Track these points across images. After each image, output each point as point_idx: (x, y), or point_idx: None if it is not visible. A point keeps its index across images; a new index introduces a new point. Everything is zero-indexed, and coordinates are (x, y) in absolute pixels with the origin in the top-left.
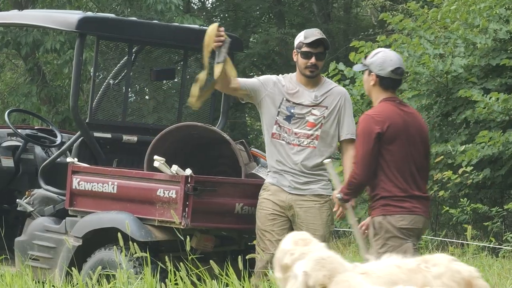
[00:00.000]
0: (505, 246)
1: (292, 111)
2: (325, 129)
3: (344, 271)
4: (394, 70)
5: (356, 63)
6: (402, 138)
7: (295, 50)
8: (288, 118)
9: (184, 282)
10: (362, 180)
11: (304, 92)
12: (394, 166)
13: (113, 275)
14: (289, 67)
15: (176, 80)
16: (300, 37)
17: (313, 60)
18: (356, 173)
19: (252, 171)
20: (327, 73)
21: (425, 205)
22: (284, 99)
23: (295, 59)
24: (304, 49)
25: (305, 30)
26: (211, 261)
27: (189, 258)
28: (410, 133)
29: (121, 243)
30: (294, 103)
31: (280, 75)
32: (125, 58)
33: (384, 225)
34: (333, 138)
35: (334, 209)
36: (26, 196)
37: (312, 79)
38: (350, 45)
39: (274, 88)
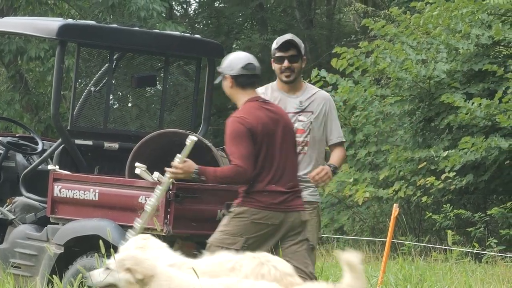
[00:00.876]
0: (488, 251)
1: None
2: (313, 134)
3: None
4: (245, 66)
5: (339, 69)
6: (271, 136)
7: (272, 58)
8: None
9: None
10: (248, 175)
11: (287, 99)
12: (263, 163)
13: None
14: (272, 73)
15: (157, 86)
16: (273, 44)
17: (286, 63)
18: (244, 168)
19: None
20: (309, 79)
21: (288, 200)
22: None
23: (273, 67)
24: (277, 54)
25: (278, 38)
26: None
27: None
28: (278, 130)
29: (103, 250)
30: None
31: (263, 86)
32: (106, 65)
33: (241, 215)
34: (320, 142)
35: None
36: (7, 203)
37: (292, 83)
38: (333, 51)
39: None
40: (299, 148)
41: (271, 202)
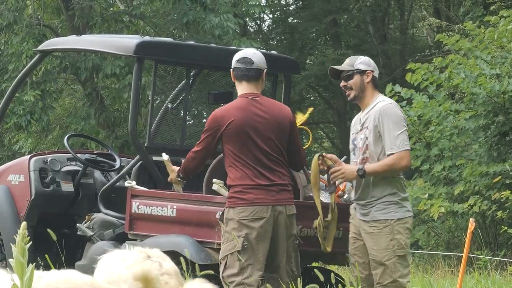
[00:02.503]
0: None
1: (354, 142)
2: (371, 149)
3: None
4: (239, 60)
5: (413, 84)
6: (246, 132)
7: None
8: (353, 151)
9: None
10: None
11: (358, 118)
12: (237, 159)
13: None
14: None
15: None
16: None
17: (342, 83)
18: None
19: (311, 194)
20: (384, 94)
21: (271, 193)
22: (351, 134)
23: None
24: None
25: None
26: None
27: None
28: (262, 127)
29: (184, 266)
30: (354, 134)
31: None
32: (183, 81)
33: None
34: (379, 155)
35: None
36: (86, 220)
37: (359, 101)
38: (407, 68)
39: None
40: (362, 166)
41: (254, 197)
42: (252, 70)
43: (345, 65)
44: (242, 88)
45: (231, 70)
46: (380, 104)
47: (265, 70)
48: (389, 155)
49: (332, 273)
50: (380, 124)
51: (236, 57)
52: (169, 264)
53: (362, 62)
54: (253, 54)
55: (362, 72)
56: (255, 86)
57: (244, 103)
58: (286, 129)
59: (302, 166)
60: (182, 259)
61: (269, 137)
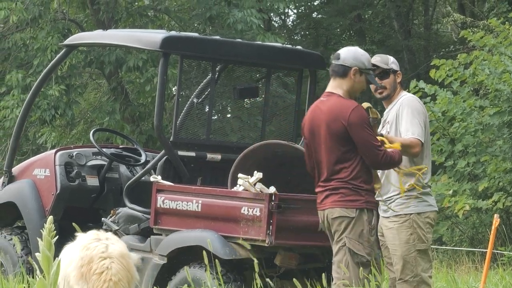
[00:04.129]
0: None
1: None
2: None
3: None
4: (332, 55)
5: (437, 80)
6: (315, 134)
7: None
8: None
9: None
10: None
11: (383, 115)
12: (313, 161)
13: None
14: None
15: (258, 98)
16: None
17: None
18: None
19: None
20: (408, 90)
21: (320, 198)
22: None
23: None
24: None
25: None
26: (294, 279)
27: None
28: (321, 129)
29: (206, 261)
30: (379, 131)
31: None
32: (209, 76)
33: None
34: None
35: None
36: (111, 214)
37: (388, 99)
38: (431, 63)
39: None
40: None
41: (317, 202)
42: (336, 66)
43: (380, 63)
44: (329, 84)
45: None
46: (402, 98)
47: (353, 68)
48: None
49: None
50: (399, 114)
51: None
52: (115, 247)
53: (394, 62)
54: (345, 50)
55: (395, 72)
56: (339, 83)
57: (315, 104)
58: (338, 131)
59: (373, 163)
60: (204, 254)
61: (320, 141)
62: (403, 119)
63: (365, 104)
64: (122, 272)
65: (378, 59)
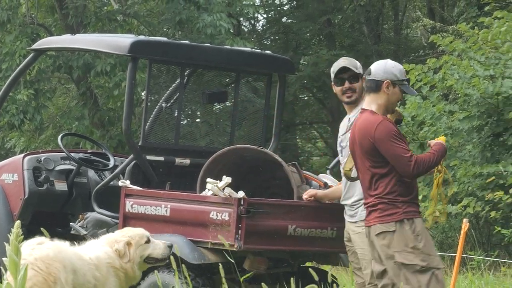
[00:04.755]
0: None
1: (341, 144)
2: None
3: None
4: (366, 71)
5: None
6: (353, 150)
7: (332, 83)
8: (341, 152)
9: None
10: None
11: (345, 120)
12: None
13: None
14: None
15: (228, 103)
16: (331, 73)
17: (346, 84)
18: None
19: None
20: None
21: (366, 215)
22: (338, 136)
23: (334, 91)
24: (337, 77)
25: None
26: (262, 283)
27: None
28: (355, 145)
29: (174, 266)
30: (341, 135)
31: None
32: (178, 81)
33: None
34: None
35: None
36: (79, 219)
37: (354, 104)
38: None
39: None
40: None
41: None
42: (369, 81)
43: (351, 66)
44: (365, 99)
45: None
46: None
47: (385, 81)
48: None
49: (329, 273)
50: None
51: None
52: (37, 252)
53: (360, 67)
54: (376, 64)
55: (361, 76)
56: (373, 98)
57: (354, 122)
58: (368, 148)
59: (407, 176)
60: (172, 258)
61: (357, 159)
62: None
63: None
64: (37, 277)
65: (347, 62)
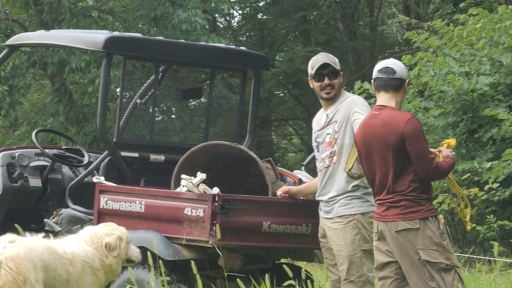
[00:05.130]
0: None
1: (317, 140)
2: (340, 141)
3: None
4: (381, 70)
5: None
6: (363, 148)
7: (310, 78)
8: (317, 148)
9: None
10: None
11: (322, 115)
12: (368, 173)
13: None
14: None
15: (202, 99)
16: (309, 66)
17: (326, 80)
18: None
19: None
20: (352, 91)
21: (380, 209)
22: (313, 133)
23: (311, 86)
24: (316, 72)
25: (312, 59)
26: (238, 279)
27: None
28: (375, 141)
29: (150, 262)
30: (317, 131)
31: None
32: (152, 77)
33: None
34: (351, 147)
35: None
36: (53, 215)
37: (332, 100)
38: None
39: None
40: (327, 160)
41: (376, 212)
42: (393, 80)
43: (331, 62)
44: (378, 98)
45: (371, 81)
46: (350, 98)
47: (406, 80)
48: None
49: (303, 269)
50: (351, 112)
51: (377, 67)
52: (8, 250)
53: (338, 63)
54: (394, 63)
55: (340, 73)
56: (392, 96)
57: (367, 118)
58: (395, 144)
59: (423, 176)
60: (149, 254)
61: (376, 155)
62: (357, 118)
63: None
64: (7, 277)
65: (327, 58)
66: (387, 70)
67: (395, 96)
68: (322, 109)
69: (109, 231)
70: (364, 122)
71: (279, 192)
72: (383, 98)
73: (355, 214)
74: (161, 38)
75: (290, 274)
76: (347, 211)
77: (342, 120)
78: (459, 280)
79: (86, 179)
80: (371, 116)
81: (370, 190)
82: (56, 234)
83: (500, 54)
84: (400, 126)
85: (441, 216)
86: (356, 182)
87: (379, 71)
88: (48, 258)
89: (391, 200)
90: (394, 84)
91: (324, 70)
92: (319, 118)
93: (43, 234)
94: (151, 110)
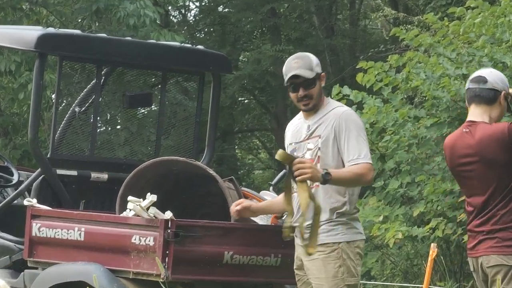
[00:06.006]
0: None
1: (295, 154)
2: (324, 162)
3: None
4: (472, 79)
5: (365, 85)
6: (453, 172)
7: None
8: None
9: None
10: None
11: (302, 125)
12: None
13: None
14: (285, 91)
15: (153, 107)
16: (283, 74)
17: (301, 92)
18: None
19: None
20: (330, 97)
21: (471, 243)
22: (288, 144)
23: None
24: (289, 82)
25: (285, 64)
26: None
27: None
28: (453, 159)
29: None
30: (295, 143)
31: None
32: (93, 81)
33: None
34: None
35: None
36: None
37: (312, 110)
38: (357, 66)
39: (286, 142)
40: (309, 182)
41: (468, 247)
42: (484, 90)
43: (303, 70)
44: (470, 112)
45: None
46: (339, 110)
47: (502, 92)
48: (352, 165)
49: None
50: (339, 132)
51: (470, 76)
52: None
53: (317, 64)
54: (489, 72)
55: (319, 76)
56: (485, 110)
57: (454, 137)
58: (496, 159)
59: None
60: None
61: (474, 181)
62: (349, 139)
63: None
64: None
65: (300, 64)
66: (478, 79)
67: (491, 111)
68: (300, 115)
69: None
70: (454, 142)
71: (234, 207)
72: (474, 113)
73: (339, 243)
74: (104, 35)
75: None
76: (330, 239)
77: (327, 135)
78: None
79: (15, 201)
80: (464, 135)
81: (356, 214)
82: None
83: (503, 53)
84: (504, 134)
85: (433, 245)
86: (342, 208)
87: (471, 80)
88: None
89: (485, 231)
90: (485, 95)
91: (297, 80)
92: (298, 128)
93: None
94: (92, 120)
